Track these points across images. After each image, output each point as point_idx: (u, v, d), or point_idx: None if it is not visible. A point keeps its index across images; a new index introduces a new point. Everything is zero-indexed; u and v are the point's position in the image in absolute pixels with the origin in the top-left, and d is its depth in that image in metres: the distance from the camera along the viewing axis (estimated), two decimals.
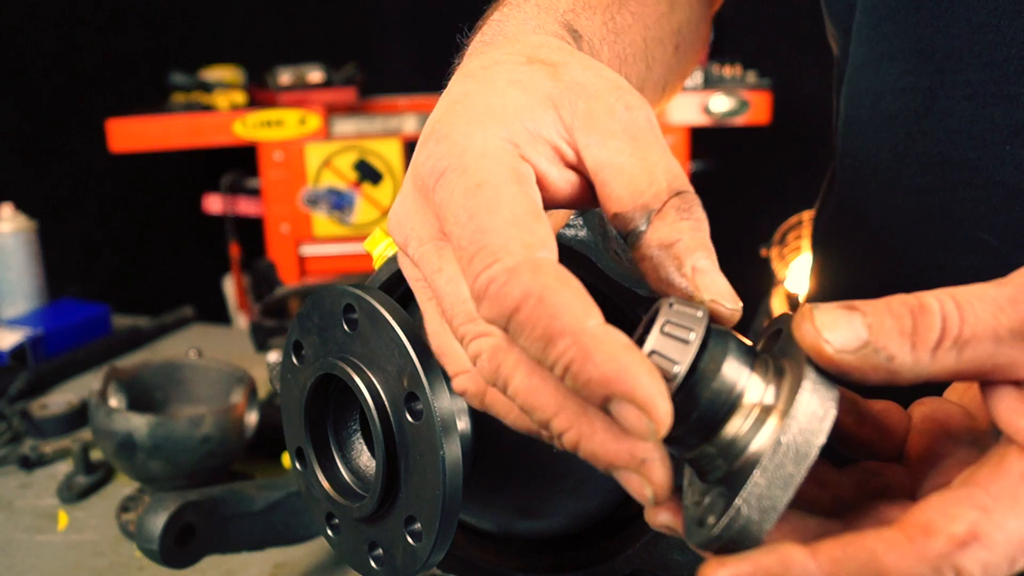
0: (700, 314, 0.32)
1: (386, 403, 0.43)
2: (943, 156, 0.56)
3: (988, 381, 0.32)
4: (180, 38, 2.83)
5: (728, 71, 2.38)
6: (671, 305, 0.32)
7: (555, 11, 0.47)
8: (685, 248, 0.33)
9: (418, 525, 0.43)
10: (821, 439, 0.31)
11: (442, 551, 0.43)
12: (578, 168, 0.36)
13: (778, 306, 1.20)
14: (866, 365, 0.31)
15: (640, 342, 0.32)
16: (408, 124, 2.41)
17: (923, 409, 0.38)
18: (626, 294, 0.46)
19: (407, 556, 0.44)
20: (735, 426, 0.32)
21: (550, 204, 0.36)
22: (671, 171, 0.35)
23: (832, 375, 0.32)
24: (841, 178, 0.67)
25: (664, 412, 0.29)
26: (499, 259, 0.31)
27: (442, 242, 0.36)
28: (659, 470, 0.31)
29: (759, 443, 0.32)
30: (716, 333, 0.33)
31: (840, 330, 0.31)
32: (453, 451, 0.41)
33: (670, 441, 0.33)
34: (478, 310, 0.32)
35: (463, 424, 0.45)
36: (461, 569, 0.55)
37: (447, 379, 0.43)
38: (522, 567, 0.54)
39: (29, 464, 1.01)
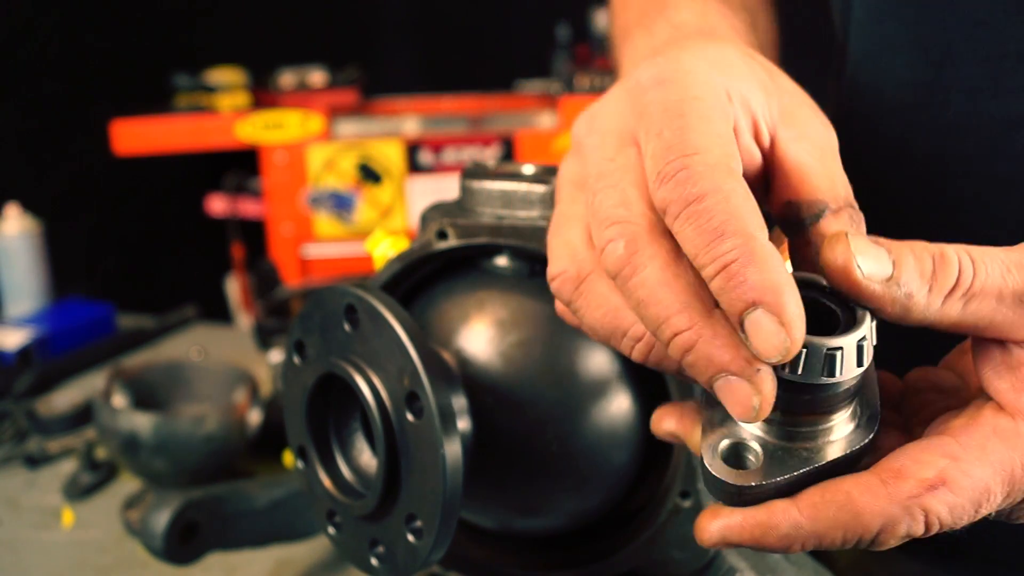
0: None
1: (387, 402, 0.43)
2: (941, 149, 0.57)
3: (981, 338, 0.35)
4: (183, 40, 2.83)
5: None
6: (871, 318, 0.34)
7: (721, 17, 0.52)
8: (854, 242, 0.35)
9: (419, 523, 0.43)
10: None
11: (442, 549, 0.44)
12: (764, 150, 0.39)
13: None
14: (886, 296, 0.33)
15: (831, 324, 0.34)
16: (409, 126, 2.42)
17: (917, 372, 0.40)
18: None
19: (408, 554, 0.44)
20: (830, 419, 0.34)
21: None
22: (848, 189, 0.38)
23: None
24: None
25: (799, 336, 0.31)
26: (699, 153, 0.33)
27: (626, 141, 0.38)
28: (770, 381, 0.32)
29: (824, 442, 0.34)
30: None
31: (870, 260, 0.33)
32: (453, 450, 0.42)
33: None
34: (656, 191, 0.34)
35: (463, 423, 0.46)
36: (461, 567, 0.55)
37: (448, 378, 0.43)
38: (522, 564, 0.54)
39: (34, 462, 1.01)
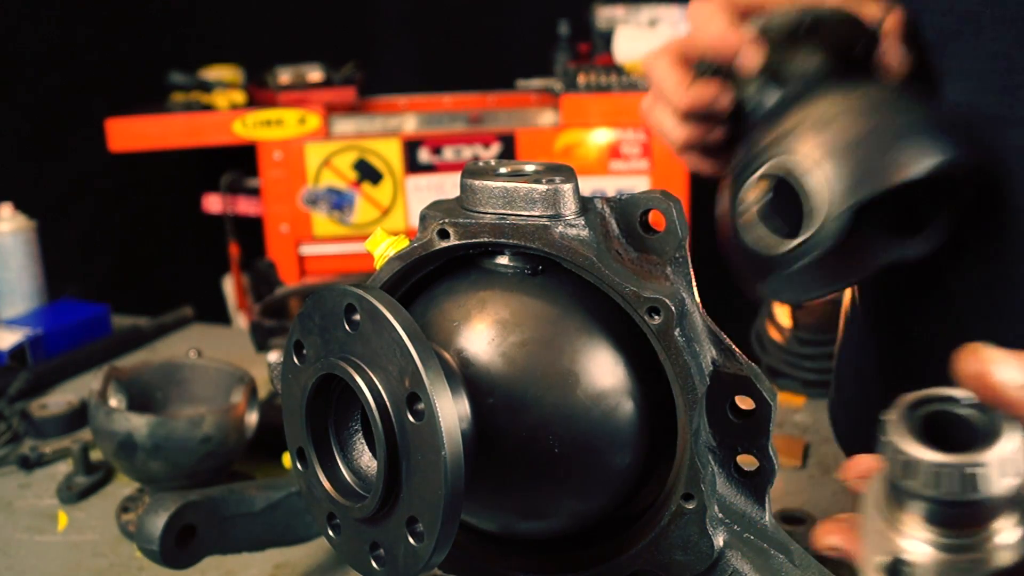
0: None
1: (388, 403, 0.43)
2: None
3: None
4: (179, 38, 2.83)
5: None
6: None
7: None
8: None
9: (420, 525, 0.43)
10: None
11: (444, 551, 0.43)
12: None
13: (778, 307, 1.21)
14: None
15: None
16: (408, 124, 2.41)
17: None
18: (628, 293, 0.46)
19: (408, 556, 0.44)
20: (990, 529, 0.35)
21: None
22: None
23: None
24: None
25: None
26: None
27: None
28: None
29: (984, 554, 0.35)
30: None
31: (1004, 368, 0.34)
32: (455, 451, 0.41)
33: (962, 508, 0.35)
34: None
35: (465, 424, 0.45)
36: (463, 569, 0.55)
37: (449, 378, 0.42)
38: (524, 568, 0.54)
39: (29, 464, 1.01)
